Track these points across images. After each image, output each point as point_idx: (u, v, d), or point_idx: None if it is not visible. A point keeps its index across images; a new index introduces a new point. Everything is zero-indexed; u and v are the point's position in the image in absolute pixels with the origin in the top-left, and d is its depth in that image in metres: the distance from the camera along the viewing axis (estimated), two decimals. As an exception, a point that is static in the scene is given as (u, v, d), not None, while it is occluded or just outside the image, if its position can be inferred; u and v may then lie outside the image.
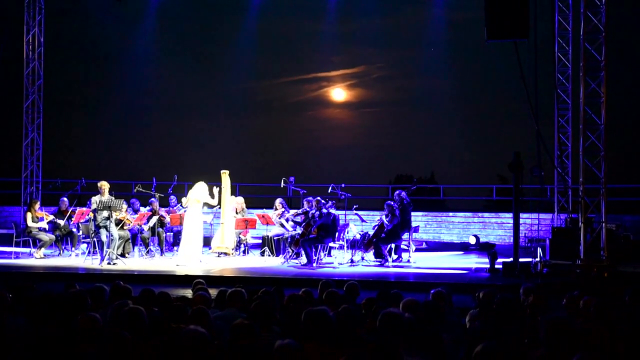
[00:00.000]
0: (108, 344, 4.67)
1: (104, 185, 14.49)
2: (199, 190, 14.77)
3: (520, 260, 13.45)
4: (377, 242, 14.94)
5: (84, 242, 16.25)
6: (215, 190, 15.33)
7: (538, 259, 14.00)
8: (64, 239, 16.67)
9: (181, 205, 16.84)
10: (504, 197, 21.64)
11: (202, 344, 4.45)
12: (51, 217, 16.32)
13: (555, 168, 17.41)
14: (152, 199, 16.59)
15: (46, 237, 15.92)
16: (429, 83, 25.15)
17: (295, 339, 4.67)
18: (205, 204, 15.13)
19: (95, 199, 14.35)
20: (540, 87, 14.07)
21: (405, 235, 15.45)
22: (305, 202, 16.21)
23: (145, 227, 16.08)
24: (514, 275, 13.00)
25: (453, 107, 25.02)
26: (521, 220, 14.61)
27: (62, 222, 16.35)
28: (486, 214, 21.36)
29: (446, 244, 20.43)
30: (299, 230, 15.47)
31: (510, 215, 18.72)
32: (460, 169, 24.90)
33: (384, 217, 15.22)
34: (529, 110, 13.77)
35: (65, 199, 16.76)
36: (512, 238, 14.19)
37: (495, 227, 21.02)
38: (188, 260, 14.29)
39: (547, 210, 18.35)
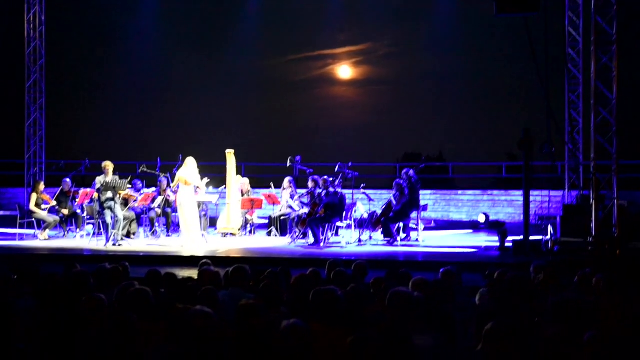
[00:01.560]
0: (114, 326, 4.68)
1: (108, 165, 14.47)
2: (187, 170, 14.44)
3: (531, 238, 13.44)
4: (386, 221, 14.94)
5: (88, 224, 16.29)
6: (204, 180, 15.06)
7: (549, 237, 13.99)
8: (69, 220, 16.71)
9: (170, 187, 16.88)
10: (514, 175, 21.57)
11: (209, 324, 4.46)
12: (53, 203, 16.32)
13: (565, 144, 17.34)
14: (161, 178, 16.59)
15: (50, 218, 15.96)
16: (437, 59, 24.98)
17: (303, 319, 4.67)
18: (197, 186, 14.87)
19: (99, 179, 14.36)
20: (550, 62, 13.98)
21: (414, 214, 15.44)
22: (310, 181, 16.20)
23: (154, 206, 16.09)
24: (524, 253, 12.99)
25: (462, 83, 24.87)
26: (531, 198, 14.57)
27: (66, 212, 16.34)
28: (496, 192, 21.29)
29: (455, 223, 20.42)
30: (305, 209, 15.48)
31: (520, 192, 18.66)
32: (469, 147, 24.82)
33: (392, 197, 15.21)
34: (539, 86, 13.70)
35: (67, 179, 16.77)
36: (522, 216, 14.16)
37: (505, 205, 20.97)
38: (190, 242, 14.23)
39: (558, 187, 18.29)
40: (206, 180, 15.13)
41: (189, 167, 14.43)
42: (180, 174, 14.47)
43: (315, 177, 16.22)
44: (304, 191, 16.32)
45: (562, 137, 16.92)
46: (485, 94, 24.80)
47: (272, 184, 17.37)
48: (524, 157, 13.47)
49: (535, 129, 16.59)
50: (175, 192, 16.44)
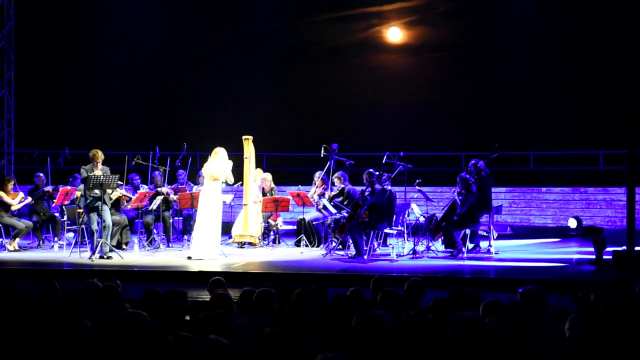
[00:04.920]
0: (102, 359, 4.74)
1: (98, 154, 14.52)
2: (218, 162, 14.70)
3: (637, 248, 13.33)
4: (448, 227, 14.90)
5: (69, 231, 16.46)
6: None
7: (661, 247, 13.86)
8: (45, 226, 16.89)
9: (192, 183, 16.98)
10: (615, 167, 21.35)
11: (223, 359, 4.50)
12: (29, 200, 16.46)
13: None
14: (155, 173, 16.69)
15: (22, 224, 16.13)
16: (515, 17, 24.74)
17: (343, 352, 4.68)
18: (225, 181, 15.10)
19: (86, 168, 14.41)
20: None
21: (485, 218, 15.37)
22: (335, 179, 16.26)
23: (152, 207, 16.20)
24: (628, 269, 12.89)
25: (546, 47, 24.60)
26: (637, 197, 14.43)
27: (41, 215, 16.45)
28: (590, 189, 21.10)
29: (538, 229, 20.31)
30: (344, 212, 15.49)
31: (622, 190, 18.50)
32: (555, 131, 24.52)
33: (456, 195, 15.16)
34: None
35: (41, 174, 16.92)
36: (625, 220, 14.02)
37: (603, 206, 20.78)
38: (205, 253, 14.36)
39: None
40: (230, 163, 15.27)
41: (218, 159, 14.71)
42: (206, 167, 14.78)
43: (341, 173, 16.33)
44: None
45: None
46: (578, 60, 24.48)
47: (299, 187, 17.43)
48: (629, 143, 13.33)
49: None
50: (176, 191, 16.59)
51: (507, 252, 15.61)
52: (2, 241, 16.25)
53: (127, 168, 16.40)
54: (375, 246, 15.16)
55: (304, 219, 16.67)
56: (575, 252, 15.68)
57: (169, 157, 16.93)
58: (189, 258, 14.36)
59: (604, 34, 23.57)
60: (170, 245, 16.56)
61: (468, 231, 15.07)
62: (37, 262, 14.65)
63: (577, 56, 24.24)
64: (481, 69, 25.49)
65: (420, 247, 15.22)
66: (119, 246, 15.55)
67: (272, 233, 16.87)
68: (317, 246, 16.21)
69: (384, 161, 16.42)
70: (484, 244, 15.41)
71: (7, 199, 16.09)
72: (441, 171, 22.27)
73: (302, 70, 26.52)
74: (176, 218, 17.26)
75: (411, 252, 15.00)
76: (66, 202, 16.10)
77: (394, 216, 15.21)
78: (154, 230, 16.42)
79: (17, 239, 16.11)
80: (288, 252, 15.89)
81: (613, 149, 21.54)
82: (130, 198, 16.03)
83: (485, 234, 15.57)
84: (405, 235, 15.66)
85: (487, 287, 10.38)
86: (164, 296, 6.83)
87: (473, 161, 15.50)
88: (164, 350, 5.21)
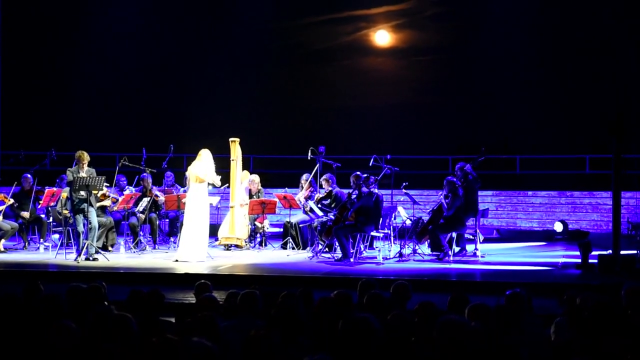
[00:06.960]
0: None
1: (83, 156, 14.49)
2: (202, 164, 14.68)
3: (622, 252, 13.36)
4: (434, 230, 14.90)
5: (54, 232, 16.39)
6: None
7: (646, 251, 13.89)
8: (30, 227, 16.82)
9: (179, 185, 16.95)
10: (601, 171, 21.42)
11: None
12: (11, 201, 16.39)
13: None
14: (143, 175, 16.65)
15: (7, 225, 16.06)
16: (502, 22, 24.81)
17: (329, 354, 4.68)
18: (211, 183, 15.10)
19: (72, 170, 14.38)
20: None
21: (471, 221, 15.39)
22: (323, 182, 16.26)
23: (138, 209, 16.15)
24: (613, 272, 12.91)
25: (532, 51, 24.68)
26: (623, 201, 14.47)
27: (27, 216, 16.39)
28: (576, 193, 21.16)
29: (524, 232, 20.34)
30: (331, 215, 15.48)
31: (608, 194, 18.54)
32: (541, 134, 24.60)
33: (443, 198, 15.17)
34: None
35: (29, 175, 16.86)
36: (610, 224, 14.05)
37: (589, 210, 20.84)
38: (191, 255, 14.33)
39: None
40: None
41: (205, 161, 14.70)
42: (191, 169, 14.73)
43: (329, 175, 16.32)
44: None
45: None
46: (566, 65, 24.55)
47: (286, 189, 17.44)
48: (615, 148, 13.35)
49: (631, 110, 16.42)
50: (165, 192, 16.56)
51: (493, 255, 15.62)
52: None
53: (115, 170, 16.37)
54: (362, 249, 15.16)
55: (290, 221, 16.67)
56: (561, 255, 15.71)
57: (165, 160, 16.91)
58: (176, 260, 14.33)
59: (591, 38, 23.64)
60: (157, 247, 16.51)
61: (454, 234, 15.09)
62: (23, 263, 14.58)
63: (563, 61, 24.32)
64: (468, 72, 25.57)
65: (407, 250, 15.22)
66: (104, 248, 15.50)
67: (258, 235, 16.85)
68: (304, 249, 16.20)
69: (371, 164, 16.42)
70: (470, 248, 15.41)
71: None
72: (428, 174, 22.34)
73: (290, 73, 26.55)
74: (165, 219, 17.23)
75: (397, 255, 15.00)
76: (52, 204, 16.05)
77: (381, 219, 15.21)
78: (140, 232, 16.36)
79: (3, 240, 16.03)
80: (274, 255, 15.87)
81: (599, 153, 21.64)
82: (117, 200, 15.98)
83: (471, 237, 15.58)
84: (392, 238, 15.66)
85: (473, 291, 10.40)
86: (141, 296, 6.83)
87: (460, 164, 15.51)
88: (148, 352, 5.20)
